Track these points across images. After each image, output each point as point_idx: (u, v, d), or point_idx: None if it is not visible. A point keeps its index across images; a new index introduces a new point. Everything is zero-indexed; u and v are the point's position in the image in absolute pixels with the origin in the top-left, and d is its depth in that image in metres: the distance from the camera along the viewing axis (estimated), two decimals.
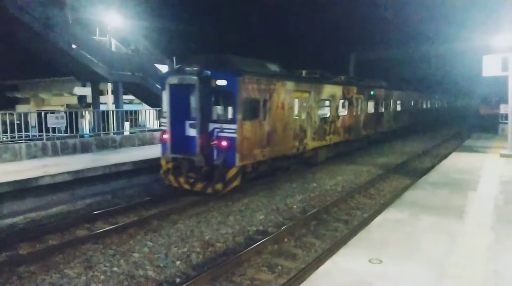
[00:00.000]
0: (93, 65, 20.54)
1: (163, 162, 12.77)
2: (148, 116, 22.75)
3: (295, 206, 11.53)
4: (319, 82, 16.80)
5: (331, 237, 9.07)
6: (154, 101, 24.71)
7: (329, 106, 17.54)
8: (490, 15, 25.35)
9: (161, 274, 7.27)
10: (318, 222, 10.08)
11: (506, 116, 19.53)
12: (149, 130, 20.11)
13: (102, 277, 7.13)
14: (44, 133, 15.49)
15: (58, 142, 15.20)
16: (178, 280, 7.05)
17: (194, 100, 12.17)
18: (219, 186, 11.73)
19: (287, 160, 15.02)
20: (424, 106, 35.35)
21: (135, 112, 25.34)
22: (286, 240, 8.86)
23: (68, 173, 11.96)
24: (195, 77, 11.71)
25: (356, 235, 6.82)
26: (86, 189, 12.48)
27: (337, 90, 18.05)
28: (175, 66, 12.74)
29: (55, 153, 14.94)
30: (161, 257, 7.98)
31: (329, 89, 17.25)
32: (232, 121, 11.75)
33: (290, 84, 14.34)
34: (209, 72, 11.80)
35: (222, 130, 11.76)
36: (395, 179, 15.29)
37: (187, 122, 12.54)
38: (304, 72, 17.15)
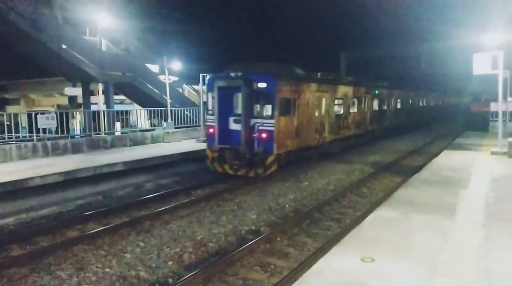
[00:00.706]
0: (83, 66, 20.40)
1: (208, 152, 14.98)
2: (140, 116, 22.65)
3: (287, 205, 11.53)
4: (335, 83, 19.29)
5: (324, 236, 9.07)
6: (145, 101, 24.61)
7: (342, 104, 19.85)
8: (481, 13, 25.52)
9: (153, 274, 7.23)
10: (311, 221, 10.09)
11: (496, 114, 19.68)
12: (140, 130, 20.02)
13: (93, 278, 7.08)
14: (34, 134, 15.37)
15: (48, 143, 15.11)
16: (170, 280, 7.01)
17: (237, 100, 14.62)
18: (260, 170, 13.98)
19: (309, 151, 17.11)
20: (420, 104, 37.20)
21: (126, 112, 25.22)
22: (278, 239, 8.85)
23: (59, 173, 11.88)
24: (240, 81, 13.93)
25: (348, 234, 6.83)
26: (77, 190, 12.41)
27: (349, 90, 20.43)
28: (223, 72, 15.19)
29: (46, 153, 14.85)
30: (153, 257, 7.94)
31: (342, 90, 19.65)
32: (271, 117, 14.02)
33: (313, 86, 16.66)
34: (252, 77, 14.07)
35: (262, 124, 14.04)
36: (386, 177, 15.33)
37: (231, 119, 14.71)
38: (319, 74, 19.39)
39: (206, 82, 15.63)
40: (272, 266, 7.49)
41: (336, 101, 18.99)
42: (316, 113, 17.00)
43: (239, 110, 14.47)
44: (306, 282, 4.99)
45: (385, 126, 26.93)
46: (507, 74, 17.06)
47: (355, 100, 21.35)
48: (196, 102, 27.10)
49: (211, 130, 14.76)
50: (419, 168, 14.54)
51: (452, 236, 6.51)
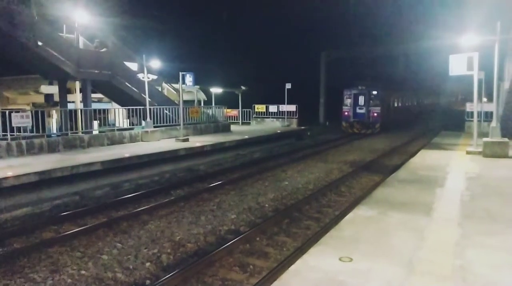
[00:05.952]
0: (60, 63, 19.97)
1: (344, 124, 33.00)
2: (118, 115, 22.34)
3: (267, 205, 11.52)
4: (396, 89, 37.44)
5: (303, 235, 9.09)
6: (123, 100, 24.27)
7: (401, 100, 38.44)
8: (457, 15, 25.94)
9: (130, 276, 7.13)
10: (290, 220, 10.10)
11: (472, 114, 20.01)
12: (118, 129, 19.75)
13: (69, 280, 6.95)
14: (8, 133, 14.99)
15: (23, 142, 14.77)
16: (148, 282, 6.93)
17: (361, 99, 32.22)
18: (373, 130, 31.60)
19: (389, 123, 33.37)
20: (425, 101, 51.67)
21: (104, 111, 24.81)
22: (258, 238, 8.83)
23: (34, 173, 11.63)
24: (365, 90, 32.28)
25: (327, 233, 6.83)
26: (53, 190, 12.16)
27: (401, 92, 38.55)
28: (355, 85, 33.53)
29: (21, 153, 14.54)
30: (130, 258, 7.84)
31: (399, 93, 37.76)
32: (378, 106, 31.95)
33: (392, 91, 35.19)
34: (370, 88, 32.12)
35: (374, 110, 31.93)
36: (364, 176, 15.46)
37: (357, 107, 32.36)
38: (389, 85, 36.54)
39: (345, 91, 32.68)
40: (251, 266, 7.46)
41: (399, 99, 37.37)
42: (393, 105, 35.41)
43: (360, 103, 32.13)
44: (284, 282, 4.98)
45: (414, 113, 43.06)
46: (482, 75, 17.35)
47: (405, 98, 39.45)
48: (176, 101, 26.85)
49: (346, 113, 32.62)
50: (396, 167, 14.70)
51: (429, 234, 6.57)
